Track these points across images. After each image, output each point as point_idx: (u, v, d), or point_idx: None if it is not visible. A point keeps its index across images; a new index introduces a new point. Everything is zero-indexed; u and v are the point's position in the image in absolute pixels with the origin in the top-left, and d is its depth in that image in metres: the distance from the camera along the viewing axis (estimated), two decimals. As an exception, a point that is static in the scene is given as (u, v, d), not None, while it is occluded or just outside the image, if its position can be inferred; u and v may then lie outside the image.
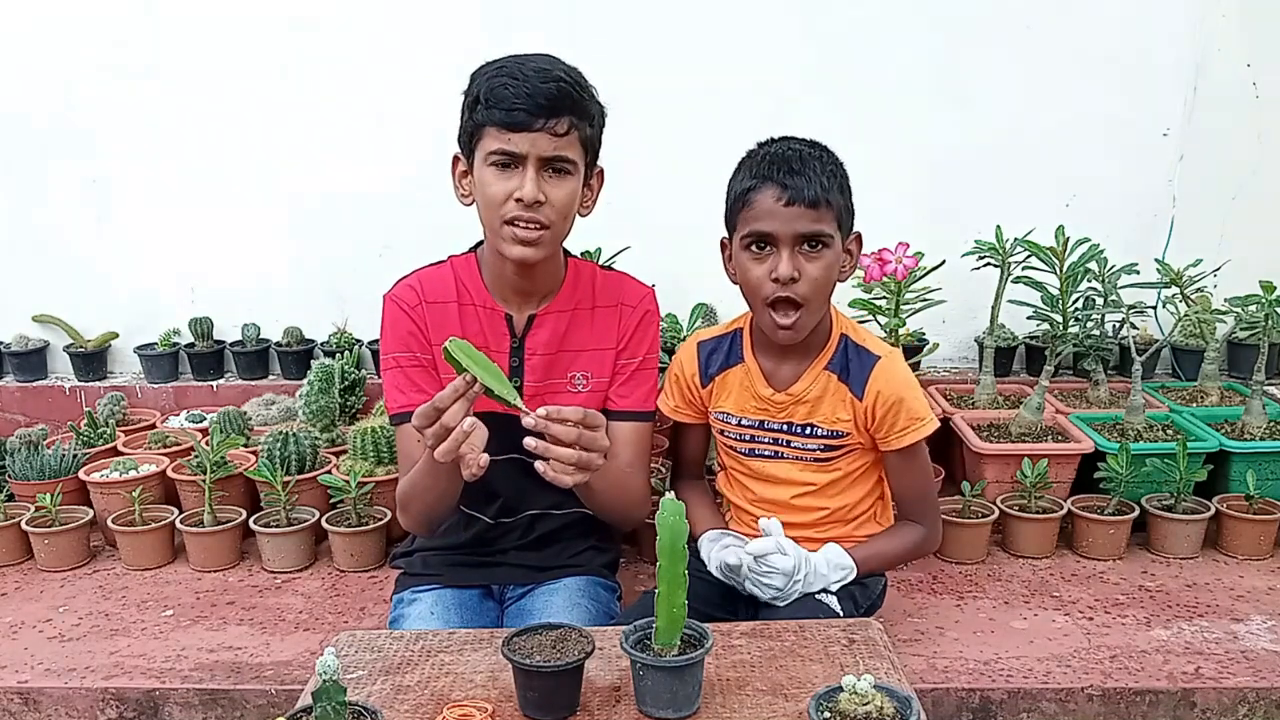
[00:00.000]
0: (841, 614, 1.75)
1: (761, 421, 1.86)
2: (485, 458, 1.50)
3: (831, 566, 1.78)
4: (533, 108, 1.61)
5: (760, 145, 1.79)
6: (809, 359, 1.82)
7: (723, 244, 1.83)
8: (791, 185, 1.68)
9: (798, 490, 1.87)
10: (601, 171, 1.80)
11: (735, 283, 1.82)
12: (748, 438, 1.88)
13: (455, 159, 1.77)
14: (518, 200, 1.64)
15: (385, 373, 1.84)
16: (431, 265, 1.87)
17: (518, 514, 1.90)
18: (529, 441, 1.49)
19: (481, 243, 1.83)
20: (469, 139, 1.70)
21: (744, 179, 1.74)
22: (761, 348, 1.86)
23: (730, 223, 1.78)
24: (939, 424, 1.86)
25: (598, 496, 1.71)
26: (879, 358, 1.80)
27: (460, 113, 1.71)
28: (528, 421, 1.47)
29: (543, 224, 1.67)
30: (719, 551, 1.82)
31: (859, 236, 1.81)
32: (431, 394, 1.77)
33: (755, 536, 1.87)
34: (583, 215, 1.78)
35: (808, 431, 1.83)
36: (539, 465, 1.51)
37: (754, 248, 1.72)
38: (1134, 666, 1.94)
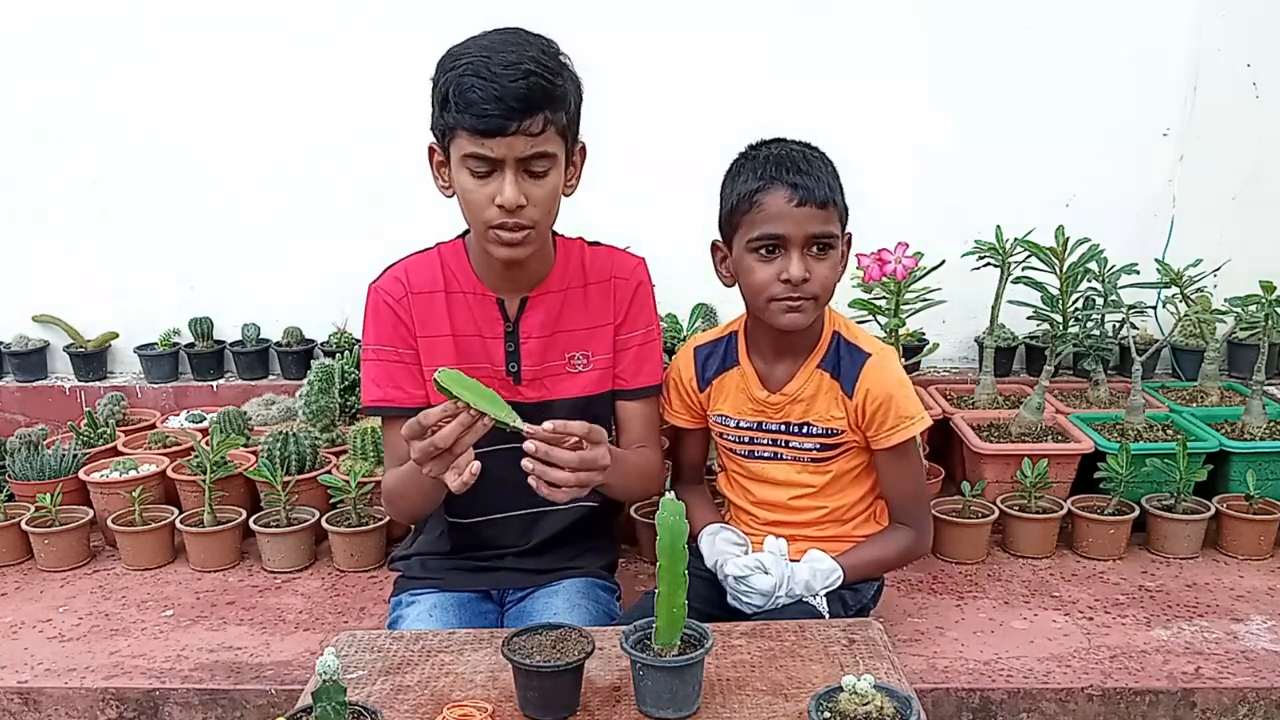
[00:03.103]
0: (828, 616, 1.74)
1: (759, 423, 1.86)
2: (476, 465, 1.45)
3: (816, 574, 1.77)
4: (505, 111, 1.54)
5: (754, 147, 1.77)
6: (801, 358, 1.82)
7: (715, 247, 1.82)
8: (802, 185, 1.67)
9: (796, 491, 1.87)
10: (583, 148, 1.73)
11: (729, 285, 1.81)
12: (746, 439, 1.88)
13: (431, 149, 1.71)
14: (500, 207, 1.60)
15: (364, 363, 1.81)
16: (418, 253, 1.84)
17: (518, 508, 1.86)
18: (525, 464, 1.46)
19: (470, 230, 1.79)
20: (441, 135, 1.65)
21: (748, 181, 1.72)
22: (756, 350, 1.86)
23: (731, 224, 1.76)
24: (930, 422, 1.86)
25: (615, 481, 1.66)
26: (869, 355, 1.79)
27: (430, 102, 1.65)
28: (528, 446, 1.45)
29: (526, 226, 1.63)
30: (720, 545, 1.83)
31: (850, 236, 1.80)
32: (408, 391, 1.77)
33: (753, 536, 1.88)
34: (566, 195, 1.72)
35: (804, 430, 1.83)
36: (531, 480, 1.48)
37: (763, 251, 1.71)
38: (1134, 666, 1.94)
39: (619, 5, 2.93)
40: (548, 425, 1.46)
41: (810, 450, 1.84)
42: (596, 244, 1.88)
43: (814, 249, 1.70)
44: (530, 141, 1.58)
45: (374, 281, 1.83)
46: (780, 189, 1.68)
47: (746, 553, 1.83)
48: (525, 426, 1.44)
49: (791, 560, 1.80)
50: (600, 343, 1.83)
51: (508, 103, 1.54)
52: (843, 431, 1.82)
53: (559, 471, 1.47)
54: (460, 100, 1.56)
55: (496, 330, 1.79)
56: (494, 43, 1.59)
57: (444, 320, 1.78)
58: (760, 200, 1.69)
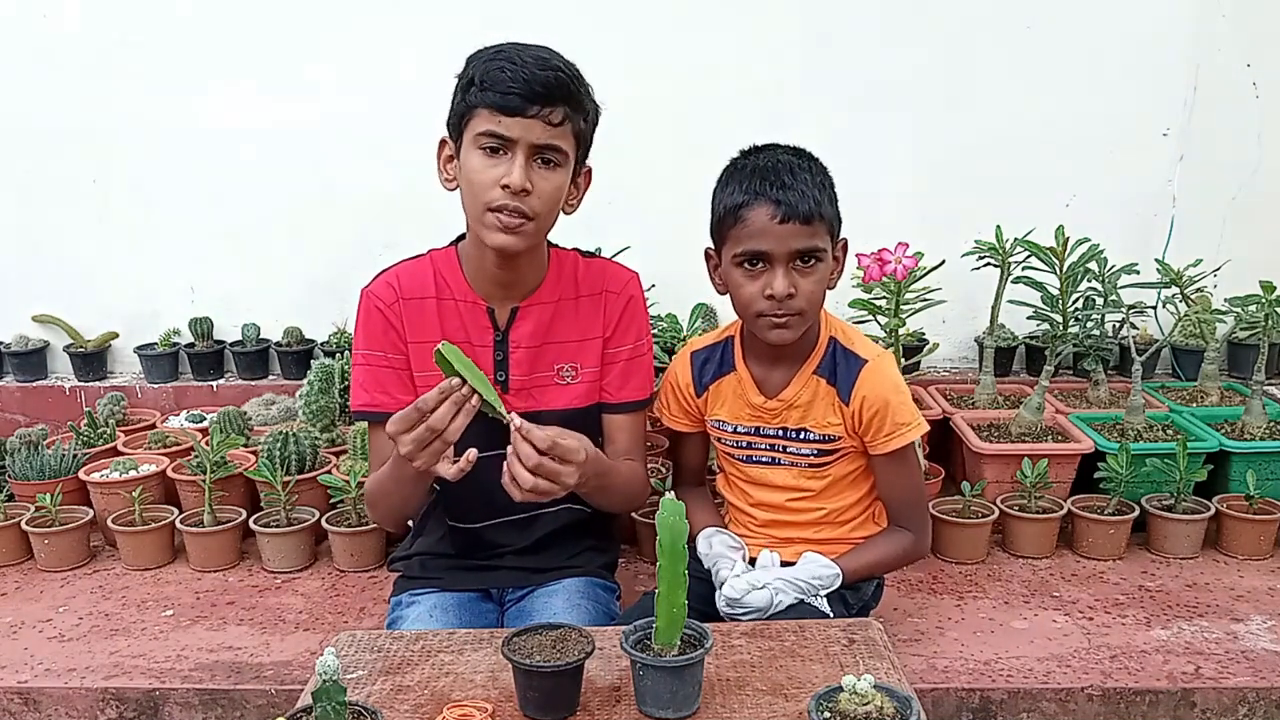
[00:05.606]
0: (832, 616, 1.74)
1: (757, 428, 1.85)
2: (473, 452, 1.49)
3: (814, 577, 1.76)
4: (528, 93, 1.58)
5: (745, 155, 1.75)
6: (798, 364, 1.80)
7: (708, 254, 1.80)
8: (785, 201, 1.64)
9: (794, 495, 1.86)
10: (589, 171, 1.76)
11: (722, 294, 1.80)
12: (744, 444, 1.88)
13: (442, 142, 1.72)
14: (504, 187, 1.61)
15: (353, 368, 1.83)
16: (411, 259, 1.84)
17: (517, 511, 1.85)
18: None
19: (463, 236, 1.80)
20: (459, 120, 1.66)
21: (734, 193, 1.70)
22: (752, 355, 1.85)
23: (719, 236, 1.75)
24: (927, 428, 1.84)
25: (600, 494, 1.69)
26: (866, 361, 1.78)
27: (452, 95, 1.67)
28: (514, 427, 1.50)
29: (526, 214, 1.63)
30: (717, 548, 1.83)
31: (845, 243, 1.77)
32: (396, 397, 1.76)
33: (751, 538, 1.88)
34: (567, 213, 1.74)
35: (801, 436, 1.82)
36: (504, 466, 1.53)
37: (747, 265, 1.69)
38: (1134, 666, 1.94)
39: (622, 7, 2.93)
40: (517, 421, 1.50)
41: (808, 455, 1.84)
42: (591, 256, 1.89)
43: (799, 263, 1.68)
44: (547, 131, 1.61)
45: (366, 286, 1.83)
46: (764, 205, 1.66)
47: (743, 556, 1.83)
48: (506, 416, 1.49)
49: (789, 562, 1.80)
50: (589, 356, 1.83)
51: (533, 86, 1.59)
52: (840, 437, 1.81)
53: (518, 466, 1.51)
54: (486, 80, 1.60)
55: (486, 339, 1.79)
56: (526, 45, 1.65)
57: (435, 326, 1.78)
58: (744, 215, 1.67)
